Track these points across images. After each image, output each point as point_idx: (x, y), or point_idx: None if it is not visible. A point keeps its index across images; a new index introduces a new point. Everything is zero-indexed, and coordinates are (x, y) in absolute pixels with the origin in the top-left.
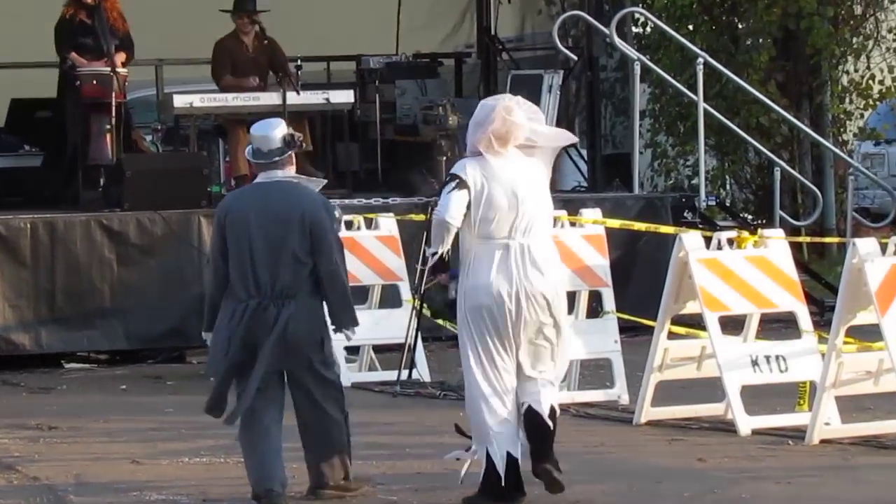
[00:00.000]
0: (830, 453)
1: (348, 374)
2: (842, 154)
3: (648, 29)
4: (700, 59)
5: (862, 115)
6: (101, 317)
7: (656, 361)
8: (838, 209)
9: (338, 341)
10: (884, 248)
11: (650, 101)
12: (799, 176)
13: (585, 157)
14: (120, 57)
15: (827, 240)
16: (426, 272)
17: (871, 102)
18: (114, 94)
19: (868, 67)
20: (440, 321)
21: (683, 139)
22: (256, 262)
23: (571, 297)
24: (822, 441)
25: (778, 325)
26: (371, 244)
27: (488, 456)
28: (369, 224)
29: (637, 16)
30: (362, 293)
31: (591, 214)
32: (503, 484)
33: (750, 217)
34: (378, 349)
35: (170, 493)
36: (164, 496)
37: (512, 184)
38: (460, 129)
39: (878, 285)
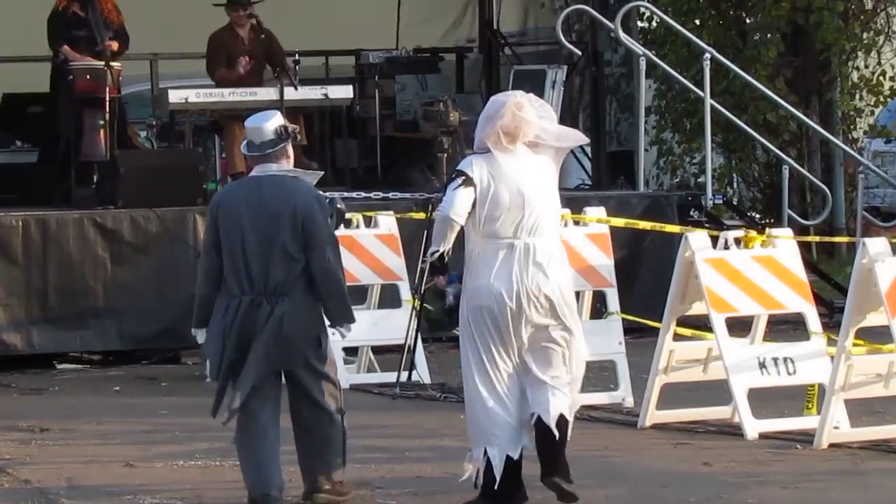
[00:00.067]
0: (839, 458)
1: (347, 376)
2: (852, 152)
3: (654, 23)
4: (707, 55)
5: (872, 112)
6: (94, 316)
7: (661, 363)
8: (848, 208)
9: (336, 342)
10: (895, 248)
11: (656, 98)
12: (808, 174)
13: (589, 155)
14: (113, 45)
15: (836, 239)
16: (425, 272)
17: (881, 99)
18: (108, 89)
19: (879, 63)
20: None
21: (690, 136)
22: (249, 258)
23: (575, 298)
24: (831, 445)
25: (786, 327)
26: (370, 243)
27: (487, 458)
28: (368, 222)
29: (642, 10)
30: (361, 293)
31: (595, 213)
32: (500, 487)
33: (758, 216)
34: (377, 350)
35: (164, 496)
36: (159, 500)
37: (519, 182)
38: (461, 125)
39: (889, 286)
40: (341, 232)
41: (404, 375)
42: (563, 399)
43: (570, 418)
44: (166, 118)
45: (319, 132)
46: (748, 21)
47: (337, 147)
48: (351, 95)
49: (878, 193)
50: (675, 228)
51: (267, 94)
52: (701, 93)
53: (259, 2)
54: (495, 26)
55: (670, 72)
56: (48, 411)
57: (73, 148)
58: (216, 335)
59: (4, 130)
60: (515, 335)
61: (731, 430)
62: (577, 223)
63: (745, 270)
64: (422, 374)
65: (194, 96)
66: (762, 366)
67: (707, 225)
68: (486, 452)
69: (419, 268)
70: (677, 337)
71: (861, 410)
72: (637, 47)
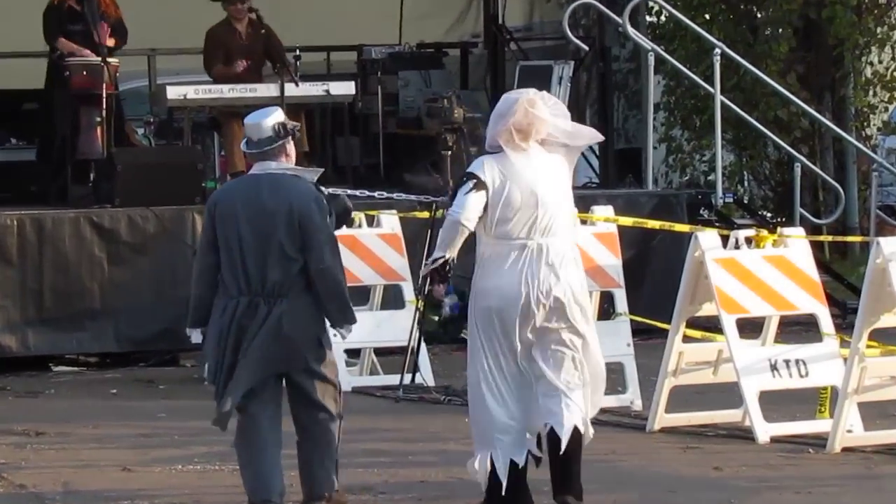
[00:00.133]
0: (853, 462)
1: (349, 378)
2: (865, 149)
3: (663, 18)
4: (717, 50)
5: (886, 109)
6: (90, 318)
7: (671, 365)
8: (861, 207)
9: (337, 343)
10: None
11: (664, 94)
12: (820, 172)
13: (597, 152)
14: (110, 40)
15: (849, 239)
16: (427, 278)
17: (895, 95)
18: (104, 86)
19: (893, 58)
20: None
21: (699, 133)
22: (246, 257)
23: (589, 299)
24: (844, 449)
25: (798, 328)
26: (373, 242)
27: (491, 463)
28: (371, 221)
29: (651, 4)
30: (363, 294)
31: (602, 212)
32: (505, 492)
33: (769, 215)
34: (380, 352)
35: (162, 501)
36: None
37: (532, 182)
38: (466, 122)
39: None
40: (343, 231)
41: (407, 378)
42: (577, 412)
43: (584, 431)
44: (164, 115)
45: (321, 129)
46: (759, 15)
47: (339, 144)
48: (353, 92)
49: (893, 191)
50: (684, 228)
51: (267, 90)
52: (711, 89)
53: None
54: (500, 21)
55: (680, 67)
56: (44, 414)
57: (70, 145)
58: (213, 337)
59: None
60: (523, 338)
61: (742, 434)
62: (584, 222)
63: (756, 271)
64: (425, 376)
65: (193, 93)
66: (774, 368)
67: (717, 224)
68: (490, 457)
69: (421, 272)
70: (687, 338)
71: (875, 413)
72: (645, 42)
